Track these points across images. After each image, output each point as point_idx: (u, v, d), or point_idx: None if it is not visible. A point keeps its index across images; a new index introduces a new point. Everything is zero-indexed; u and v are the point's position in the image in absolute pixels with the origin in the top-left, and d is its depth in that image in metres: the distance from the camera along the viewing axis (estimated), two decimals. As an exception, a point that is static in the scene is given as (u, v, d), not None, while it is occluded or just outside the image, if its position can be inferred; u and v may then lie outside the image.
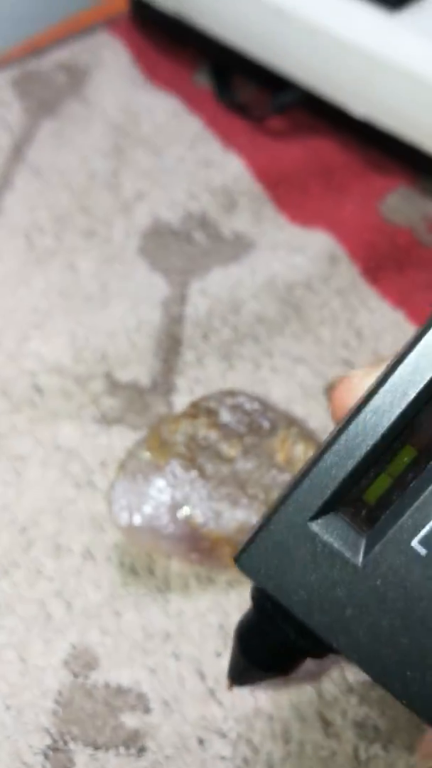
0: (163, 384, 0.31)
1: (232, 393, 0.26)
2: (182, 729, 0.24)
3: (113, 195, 0.36)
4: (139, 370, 0.31)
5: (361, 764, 0.24)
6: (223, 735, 0.24)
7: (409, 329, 0.31)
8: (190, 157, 0.36)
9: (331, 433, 0.11)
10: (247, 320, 0.32)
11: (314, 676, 0.25)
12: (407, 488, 0.11)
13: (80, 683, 0.25)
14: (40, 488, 0.28)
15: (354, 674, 0.25)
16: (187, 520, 0.24)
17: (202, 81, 0.39)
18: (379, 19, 0.33)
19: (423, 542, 0.10)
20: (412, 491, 0.11)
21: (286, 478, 0.25)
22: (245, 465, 0.24)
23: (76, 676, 0.25)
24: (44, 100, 0.39)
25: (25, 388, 0.30)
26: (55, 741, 0.24)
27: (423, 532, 0.10)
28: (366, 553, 0.11)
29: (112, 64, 0.40)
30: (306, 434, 0.26)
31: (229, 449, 0.25)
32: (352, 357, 0.31)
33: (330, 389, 0.31)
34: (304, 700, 0.24)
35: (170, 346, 0.31)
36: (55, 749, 0.24)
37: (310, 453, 0.25)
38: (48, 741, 0.24)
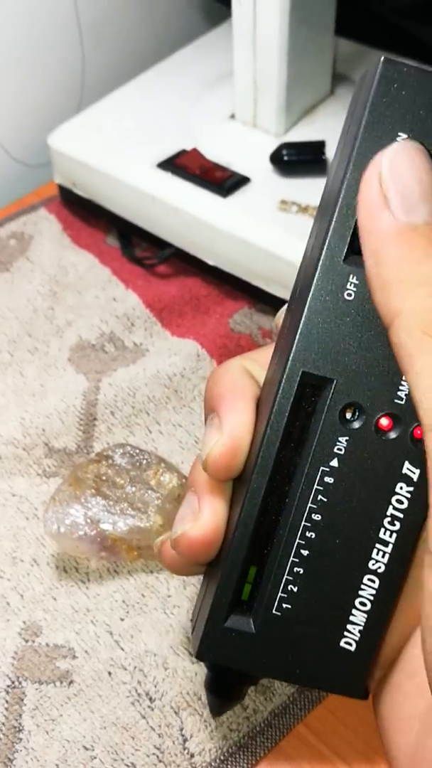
0: (85, 448, 0.45)
1: (122, 445, 0.40)
2: (97, 667, 0.36)
3: (49, 323, 0.51)
4: (68, 440, 0.45)
5: (215, 678, 0.36)
6: (124, 668, 0.36)
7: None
8: (103, 296, 0.52)
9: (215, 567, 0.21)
10: (141, 400, 0.47)
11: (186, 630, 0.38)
12: (259, 585, 0.21)
13: (29, 645, 0.37)
14: (1, 521, 0.42)
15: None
16: (96, 527, 0.38)
17: (112, 242, 0.56)
18: (216, 201, 0.49)
19: (278, 609, 0.20)
20: (261, 586, 0.20)
21: (156, 495, 0.39)
22: (131, 489, 0.38)
23: (26, 641, 0.37)
24: (0, 260, 0.56)
25: (-11, 456, 0.44)
26: (12, 682, 0.36)
27: (274, 605, 0.20)
28: (254, 625, 0.20)
29: (47, 232, 0.56)
30: (171, 467, 0.40)
31: (121, 480, 0.39)
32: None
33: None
34: (177, 643, 0.37)
35: (89, 421, 0.46)
36: (13, 687, 0.36)
37: (174, 480, 0.40)
38: (8, 682, 0.36)
